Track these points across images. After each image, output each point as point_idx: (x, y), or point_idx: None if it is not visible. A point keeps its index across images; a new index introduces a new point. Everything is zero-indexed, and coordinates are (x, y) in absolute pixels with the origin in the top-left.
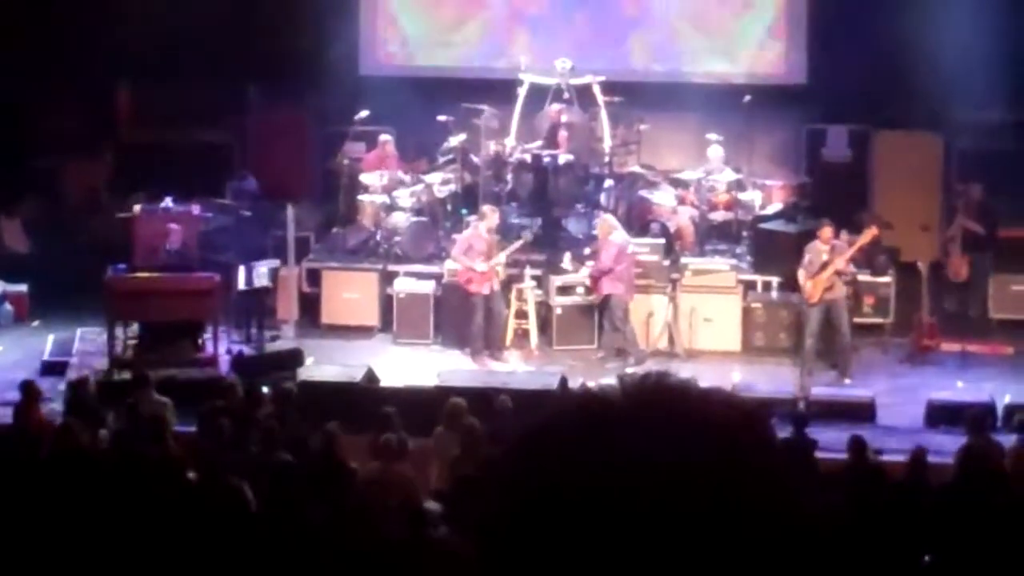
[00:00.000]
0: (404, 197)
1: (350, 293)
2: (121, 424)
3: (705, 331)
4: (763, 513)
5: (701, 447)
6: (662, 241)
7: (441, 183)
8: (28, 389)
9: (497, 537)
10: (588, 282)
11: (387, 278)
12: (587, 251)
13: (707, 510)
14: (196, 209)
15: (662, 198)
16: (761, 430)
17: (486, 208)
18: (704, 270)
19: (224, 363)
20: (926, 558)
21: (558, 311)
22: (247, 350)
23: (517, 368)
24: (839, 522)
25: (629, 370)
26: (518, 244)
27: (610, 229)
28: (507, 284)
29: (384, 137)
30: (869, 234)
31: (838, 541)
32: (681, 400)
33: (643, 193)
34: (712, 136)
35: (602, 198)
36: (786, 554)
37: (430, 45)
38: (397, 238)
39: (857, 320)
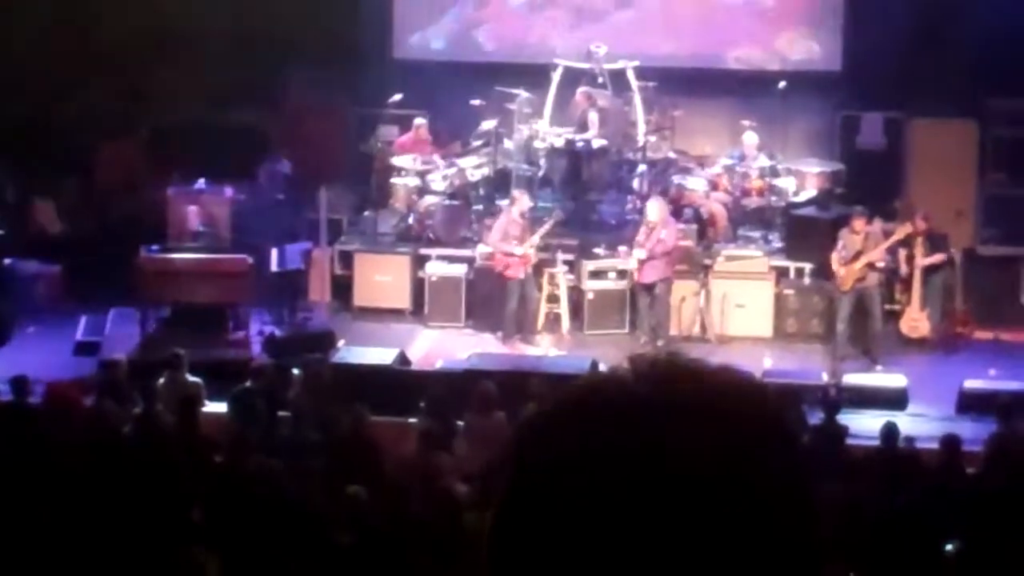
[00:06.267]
0: (437, 180)
1: (382, 276)
2: (151, 405)
3: (737, 317)
4: (771, 502)
5: (711, 432)
6: (695, 227)
7: (474, 167)
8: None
9: (504, 519)
10: (636, 265)
11: (419, 261)
12: (640, 236)
13: (713, 499)
14: (229, 191)
15: (695, 184)
16: (775, 414)
17: (516, 192)
18: (737, 256)
19: (256, 344)
20: (949, 547)
21: (590, 295)
22: (279, 331)
23: (548, 352)
24: (869, 509)
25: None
26: (550, 224)
27: (667, 210)
28: (539, 268)
29: (418, 121)
30: (903, 230)
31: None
32: (693, 382)
33: (676, 179)
34: (746, 122)
35: (635, 183)
36: (790, 548)
37: (464, 29)
38: (429, 221)
39: (890, 307)
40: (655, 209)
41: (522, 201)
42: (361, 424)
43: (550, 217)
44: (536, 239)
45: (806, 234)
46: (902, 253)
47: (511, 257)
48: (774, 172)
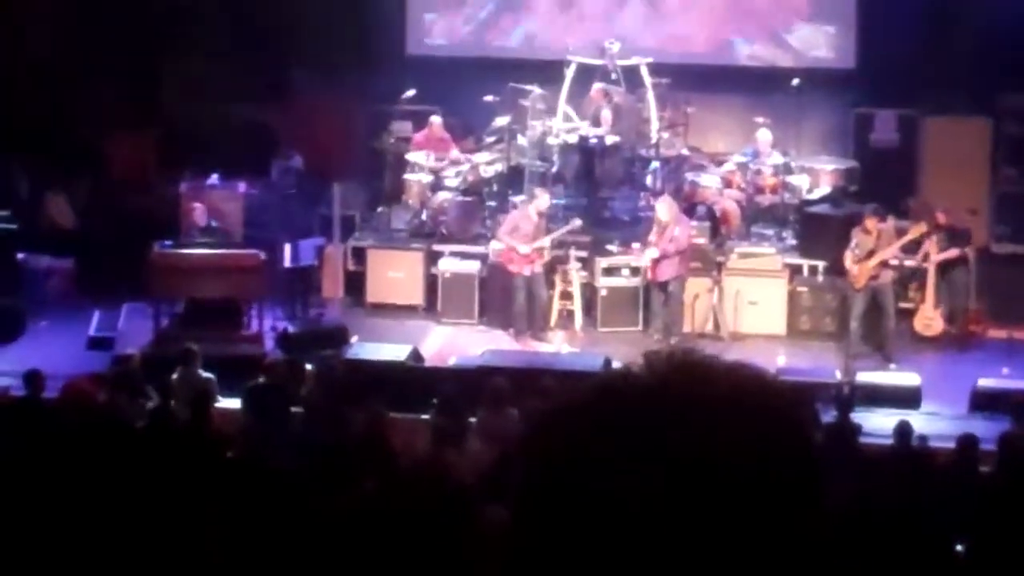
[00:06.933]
0: (450, 176)
1: (395, 272)
2: (164, 400)
3: (750, 314)
4: (783, 499)
5: (724, 429)
6: (708, 224)
7: (487, 163)
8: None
9: (518, 517)
10: (649, 264)
11: (432, 257)
12: (652, 237)
13: (726, 495)
14: (242, 186)
15: (709, 181)
16: (788, 411)
17: (537, 190)
18: (750, 253)
19: (269, 340)
20: (959, 547)
21: (603, 292)
22: (292, 328)
23: (561, 349)
24: (882, 508)
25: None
26: (565, 229)
27: (677, 209)
28: (552, 265)
29: (433, 119)
30: (917, 229)
31: (877, 528)
32: (706, 379)
33: (690, 176)
34: (760, 119)
35: (648, 180)
36: (802, 544)
37: (479, 24)
38: (443, 218)
39: (903, 305)
40: (665, 208)
41: (541, 200)
42: (376, 421)
43: (566, 222)
44: (547, 241)
45: (820, 231)
46: (921, 250)
47: (515, 252)
48: (788, 169)
